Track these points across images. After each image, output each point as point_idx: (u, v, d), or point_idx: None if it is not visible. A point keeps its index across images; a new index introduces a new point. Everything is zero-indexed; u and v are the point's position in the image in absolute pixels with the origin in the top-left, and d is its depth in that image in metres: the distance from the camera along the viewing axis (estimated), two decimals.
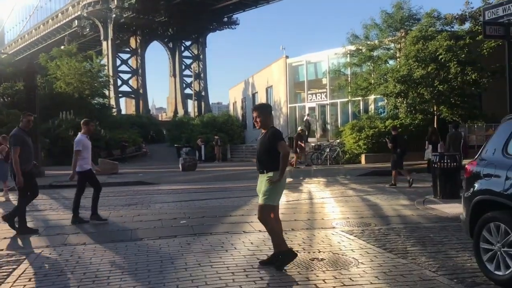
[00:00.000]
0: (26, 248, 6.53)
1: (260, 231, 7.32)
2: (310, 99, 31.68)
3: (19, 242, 7.12)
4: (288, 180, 9.68)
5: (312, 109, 31.64)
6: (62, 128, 29.77)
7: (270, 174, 5.23)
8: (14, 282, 4.94)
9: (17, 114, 27.68)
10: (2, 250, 6.47)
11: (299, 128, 23.41)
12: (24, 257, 5.97)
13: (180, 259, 5.64)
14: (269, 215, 5.34)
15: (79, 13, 75.75)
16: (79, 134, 8.87)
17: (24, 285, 4.82)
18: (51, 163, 25.46)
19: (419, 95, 20.80)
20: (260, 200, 5.31)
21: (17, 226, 7.64)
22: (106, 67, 54.32)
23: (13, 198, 12.64)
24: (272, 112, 23.92)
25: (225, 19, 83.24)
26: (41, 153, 20.52)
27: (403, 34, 22.87)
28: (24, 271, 5.33)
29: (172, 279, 4.88)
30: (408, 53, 20.93)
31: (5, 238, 7.33)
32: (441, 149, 15.48)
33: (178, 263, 5.50)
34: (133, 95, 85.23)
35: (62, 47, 50.26)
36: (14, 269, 5.43)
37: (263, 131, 5.47)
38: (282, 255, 5.24)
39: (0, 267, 5.56)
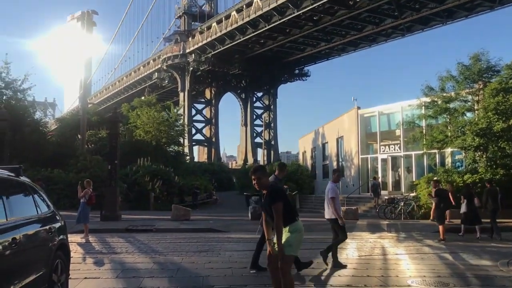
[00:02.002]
0: None
1: (331, 285, 7.18)
2: (383, 151, 31.09)
3: (99, 282, 7.43)
4: (360, 233, 9.49)
5: (384, 160, 30.96)
6: (139, 174, 31.14)
7: (287, 228, 5.34)
8: None
9: (99, 160, 29.49)
10: None
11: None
12: None
13: None
14: (290, 266, 5.39)
15: (159, 66, 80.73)
16: (329, 182, 9.72)
17: None
18: (127, 207, 26.55)
19: (500, 149, 19.80)
20: (285, 251, 5.23)
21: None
22: (182, 117, 56.86)
23: (93, 239, 13.31)
24: (343, 162, 24.07)
25: (297, 71, 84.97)
26: (119, 198, 21.52)
27: (481, 86, 22.15)
28: None
29: None
30: (487, 105, 20.16)
31: (86, 278, 7.69)
32: (478, 204, 15.07)
33: None
34: (205, 143, 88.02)
35: (143, 97, 53.51)
36: None
37: (264, 192, 5.51)
38: None
39: None
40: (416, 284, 7.41)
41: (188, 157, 58.88)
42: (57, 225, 5.93)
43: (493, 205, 14.56)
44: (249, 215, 22.28)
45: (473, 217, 14.71)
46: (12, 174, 5.35)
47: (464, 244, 12.97)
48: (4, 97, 30.84)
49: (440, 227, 13.66)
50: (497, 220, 15.12)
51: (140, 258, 10.04)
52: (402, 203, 22.35)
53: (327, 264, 8.86)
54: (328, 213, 9.41)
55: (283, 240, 5.26)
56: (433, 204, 14.38)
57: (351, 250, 11.89)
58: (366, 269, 8.88)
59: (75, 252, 10.72)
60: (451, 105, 23.18)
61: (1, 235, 4.35)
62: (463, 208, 15.00)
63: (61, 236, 5.89)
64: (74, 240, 12.62)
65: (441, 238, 13.48)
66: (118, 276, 7.98)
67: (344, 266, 8.80)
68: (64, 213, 9.77)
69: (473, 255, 10.77)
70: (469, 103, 23.10)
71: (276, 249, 5.25)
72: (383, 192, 28.15)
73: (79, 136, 33.67)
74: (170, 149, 45.37)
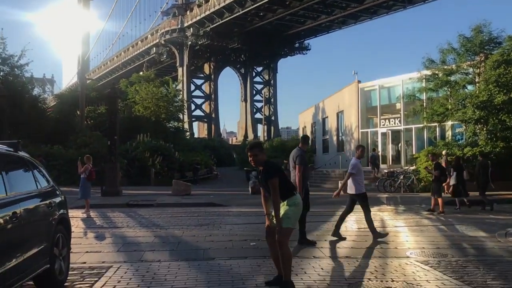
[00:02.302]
0: (106, 263, 6.86)
1: (330, 257, 7.25)
2: (383, 125, 31.03)
3: (100, 256, 7.50)
4: (358, 206, 9.56)
5: (384, 134, 30.94)
6: (139, 150, 31.15)
7: (285, 202, 5.38)
8: None
9: (99, 136, 29.46)
10: (85, 263, 6.85)
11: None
12: (105, 270, 6.29)
13: (251, 280, 5.70)
14: (288, 238, 5.39)
15: (157, 40, 79.95)
16: (353, 158, 9.64)
17: None
18: (128, 183, 26.67)
19: (501, 122, 19.75)
20: (282, 223, 5.27)
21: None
22: (181, 92, 56.58)
23: (94, 214, 13.41)
24: (343, 137, 24.04)
25: (297, 44, 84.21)
26: (119, 173, 21.58)
27: (482, 59, 21.95)
28: (105, 283, 5.62)
29: None
30: (489, 78, 20.02)
31: (87, 252, 7.76)
32: (466, 177, 15.66)
33: (248, 284, 5.56)
34: (205, 119, 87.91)
35: (141, 73, 53.13)
36: (96, 281, 5.74)
37: (259, 167, 5.49)
38: (285, 285, 5.20)
39: (84, 279, 5.90)
40: (414, 255, 7.48)
41: (188, 133, 58.80)
42: (57, 199, 5.93)
43: (483, 178, 15.06)
44: (249, 189, 22.41)
45: (461, 189, 15.21)
46: (11, 149, 5.32)
47: (462, 217, 13.06)
48: (1, 73, 30.65)
49: (439, 200, 13.82)
50: (497, 193, 15.33)
51: (141, 232, 10.13)
52: (401, 177, 22.45)
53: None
54: (351, 189, 9.58)
55: (281, 213, 5.28)
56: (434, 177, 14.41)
57: (351, 222, 11.96)
58: (365, 241, 8.95)
59: (76, 227, 10.80)
60: (452, 78, 23.03)
61: (1, 209, 4.35)
62: (452, 181, 15.36)
63: (62, 211, 5.90)
64: (75, 215, 12.71)
65: (440, 211, 13.63)
66: (119, 249, 8.06)
67: (344, 238, 8.91)
68: (64, 188, 9.80)
69: (472, 227, 10.85)
70: (470, 76, 22.95)
71: (274, 222, 5.27)
72: (382, 166, 28.23)
73: (78, 112, 33.58)
74: (170, 125, 45.29)
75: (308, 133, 45.40)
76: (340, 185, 9.44)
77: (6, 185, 4.65)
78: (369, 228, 9.23)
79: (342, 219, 9.48)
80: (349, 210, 9.61)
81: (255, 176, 24.93)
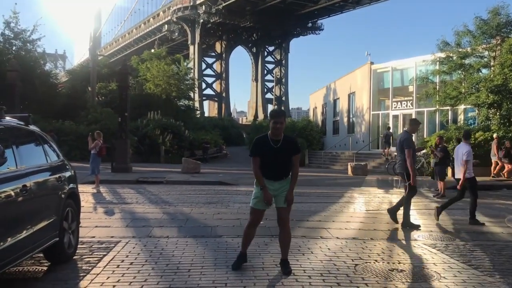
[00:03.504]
0: (115, 237, 6.94)
1: (338, 238, 7.26)
2: (395, 107, 30.77)
3: (109, 231, 7.58)
4: (369, 189, 9.57)
5: (396, 117, 30.70)
6: (150, 127, 31.27)
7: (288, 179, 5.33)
8: (104, 267, 5.30)
9: (110, 112, 29.57)
10: (94, 237, 6.93)
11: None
12: (113, 245, 6.36)
13: (258, 258, 5.74)
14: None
15: (169, 17, 79.46)
16: (466, 145, 9.22)
17: (113, 271, 5.14)
18: (138, 160, 26.83)
19: None
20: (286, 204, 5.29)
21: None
22: (192, 71, 56.38)
23: (104, 190, 13.54)
24: (354, 119, 23.95)
25: (309, 24, 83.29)
26: (129, 150, 21.70)
27: (499, 42, 21.52)
28: (113, 258, 5.69)
29: (249, 277, 4.99)
30: (504, 61, 19.65)
31: (96, 226, 7.85)
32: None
33: (255, 262, 5.59)
34: (216, 99, 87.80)
35: (152, 50, 52.90)
36: (104, 255, 5.82)
37: (279, 137, 5.26)
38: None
39: (92, 253, 5.98)
40: (422, 238, 7.47)
41: (198, 112, 58.80)
42: (67, 174, 5.98)
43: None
44: None
45: (444, 171, 15.11)
46: (22, 123, 5.35)
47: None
48: (14, 48, 30.71)
49: (442, 183, 13.82)
50: (507, 178, 15.35)
51: (150, 209, 10.21)
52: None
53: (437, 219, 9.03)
54: (458, 173, 9.35)
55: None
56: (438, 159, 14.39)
57: (359, 204, 11.98)
58: (373, 223, 8.96)
59: (86, 202, 10.91)
60: (467, 61, 22.66)
61: (12, 182, 4.39)
62: (433, 162, 15.86)
63: (71, 185, 5.96)
64: (86, 190, 12.83)
65: (442, 194, 13.62)
66: (128, 225, 8.14)
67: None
68: (75, 164, 9.88)
69: (481, 212, 10.76)
70: (485, 59, 22.55)
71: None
72: (392, 149, 28.06)
73: (89, 88, 33.65)
74: (180, 103, 45.29)
75: (319, 114, 45.22)
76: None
77: (16, 158, 4.69)
78: (440, 209, 9.19)
79: (450, 203, 9.40)
80: (460, 196, 9.38)
81: None
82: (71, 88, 36.94)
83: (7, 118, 5.02)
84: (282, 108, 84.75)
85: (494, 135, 19.29)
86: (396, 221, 8.58)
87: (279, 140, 5.23)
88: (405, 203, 8.54)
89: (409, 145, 8.38)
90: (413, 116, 29.34)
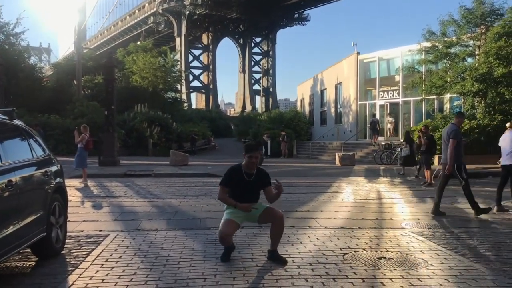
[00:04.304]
0: (103, 231, 6.90)
1: (326, 227, 7.31)
2: (382, 97, 30.94)
3: (97, 225, 7.55)
4: (356, 178, 9.66)
5: (382, 107, 30.88)
6: (137, 120, 31.09)
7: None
8: (93, 261, 5.27)
9: (96, 106, 29.32)
10: (82, 231, 6.89)
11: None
12: (102, 239, 6.33)
13: (247, 249, 5.75)
14: None
15: (154, 9, 78.74)
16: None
17: (102, 265, 5.12)
18: (126, 153, 26.68)
19: (499, 95, 19.69)
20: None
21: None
22: (179, 63, 56.03)
23: (91, 184, 13.45)
24: (341, 109, 24.37)
25: (296, 15, 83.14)
26: (117, 143, 21.56)
27: (483, 31, 21.72)
28: (102, 252, 5.67)
29: (239, 268, 5.00)
30: (489, 50, 19.85)
31: (84, 220, 7.81)
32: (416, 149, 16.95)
33: (244, 253, 5.61)
34: (203, 90, 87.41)
35: (138, 42, 52.43)
36: (93, 249, 5.79)
37: (252, 171, 5.35)
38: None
39: (81, 247, 5.95)
40: (409, 226, 7.55)
41: (186, 104, 58.54)
42: (54, 168, 5.92)
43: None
44: None
45: (412, 159, 17.14)
46: (5, 117, 5.28)
47: (458, 189, 13.09)
48: None
49: (428, 172, 13.97)
50: (494, 166, 15.65)
51: (139, 202, 10.18)
52: (399, 149, 22.44)
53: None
54: (506, 160, 9.48)
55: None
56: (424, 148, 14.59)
57: (347, 194, 12.06)
58: (361, 212, 9.03)
59: (74, 196, 10.84)
60: (452, 50, 22.84)
61: None
62: (405, 152, 17.35)
63: (58, 179, 5.90)
64: (73, 184, 12.74)
65: (429, 182, 13.76)
66: (116, 218, 8.10)
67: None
68: (61, 158, 9.82)
69: (466, 199, 10.90)
70: (470, 48, 22.75)
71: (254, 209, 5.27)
72: (380, 138, 28.26)
73: (75, 81, 33.30)
74: (168, 95, 45.04)
75: (306, 105, 45.31)
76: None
77: (0, 153, 4.63)
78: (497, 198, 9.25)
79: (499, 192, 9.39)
80: (504, 182, 9.49)
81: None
82: (56, 81, 36.50)
83: None
84: (270, 99, 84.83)
85: (508, 124, 19.39)
86: (481, 211, 8.57)
87: (252, 173, 5.32)
88: (437, 191, 8.89)
89: (455, 136, 8.65)
90: (400, 105, 29.59)
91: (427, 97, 25.22)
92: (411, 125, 27.03)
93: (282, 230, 5.36)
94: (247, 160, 5.29)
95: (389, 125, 29.49)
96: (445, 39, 22.87)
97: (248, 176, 5.32)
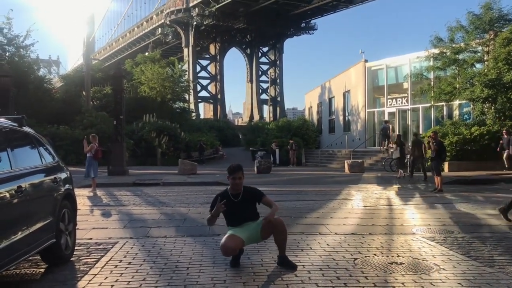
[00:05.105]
0: (112, 239, 6.89)
1: (336, 233, 7.24)
2: (390, 104, 30.82)
3: (106, 232, 7.54)
4: (366, 185, 9.59)
5: (392, 114, 30.74)
6: (146, 130, 31.20)
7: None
8: (102, 267, 5.25)
9: (105, 116, 29.48)
10: (91, 239, 6.89)
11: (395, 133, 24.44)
12: (111, 246, 6.32)
13: (256, 255, 5.71)
14: None
15: (162, 21, 79.35)
16: None
17: (111, 271, 5.10)
18: (135, 163, 26.77)
19: (509, 100, 19.53)
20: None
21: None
22: (187, 73, 56.33)
23: (100, 193, 13.48)
24: (350, 117, 24.47)
25: (303, 24, 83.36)
26: (125, 153, 21.63)
27: (492, 36, 21.63)
28: (111, 258, 5.65)
29: (248, 273, 4.96)
30: (498, 55, 19.74)
31: (93, 228, 7.81)
32: (407, 152, 19.32)
33: (254, 259, 5.56)
34: (211, 100, 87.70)
35: (146, 53, 52.86)
36: (102, 256, 5.77)
37: (238, 191, 5.37)
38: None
39: (90, 254, 5.93)
40: (421, 232, 7.46)
41: (194, 114, 58.74)
42: (63, 175, 5.93)
43: (419, 153, 17.58)
44: (255, 169, 22.46)
45: (402, 161, 18.77)
46: (15, 124, 5.31)
47: (468, 195, 13.00)
48: (7, 54, 30.57)
49: (439, 178, 13.77)
50: (506, 172, 15.73)
51: (148, 210, 10.17)
52: (408, 156, 22.30)
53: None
54: None
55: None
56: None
57: (357, 200, 11.97)
58: (371, 218, 8.95)
59: (83, 204, 10.86)
60: (460, 56, 22.75)
61: (6, 183, 4.34)
62: (396, 154, 19.15)
63: (67, 186, 5.91)
64: (82, 193, 12.78)
65: (439, 189, 13.60)
66: (125, 226, 8.10)
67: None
68: (71, 168, 9.79)
69: (478, 205, 10.81)
70: (479, 54, 22.66)
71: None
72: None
73: (84, 92, 33.54)
74: (176, 105, 45.24)
75: (314, 113, 45.27)
76: None
77: (10, 159, 4.64)
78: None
79: None
80: None
81: (261, 156, 25.07)
82: (65, 93, 36.76)
83: (0, 119, 4.97)
84: (278, 109, 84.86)
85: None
86: (508, 219, 8.28)
87: (239, 193, 5.35)
88: None
89: None
90: (409, 113, 29.45)
91: (436, 104, 25.09)
92: (421, 132, 26.87)
93: (285, 235, 5.31)
94: (231, 181, 5.36)
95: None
96: (453, 45, 22.81)
97: (235, 197, 5.35)
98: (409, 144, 20.19)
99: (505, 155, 17.83)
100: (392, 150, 22.51)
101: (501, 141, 18.32)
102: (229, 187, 5.42)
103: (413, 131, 24.89)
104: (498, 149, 18.43)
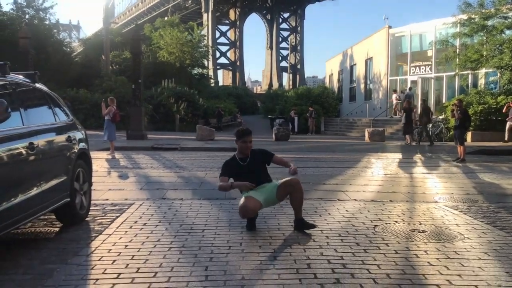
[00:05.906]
0: (128, 200, 6.83)
1: (355, 200, 7.06)
2: (413, 72, 30.04)
3: (122, 193, 7.49)
4: (386, 154, 9.33)
5: (414, 82, 30.00)
6: (164, 96, 31.09)
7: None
8: (117, 228, 5.18)
9: (124, 80, 29.43)
10: (107, 199, 6.84)
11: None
12: (127, 207, 6.26)
13: (273, 219, 5.58)
14: None
15: None
16: None
17: (126, 231, 5.03)
18: (153, 128, 26.80)
19: None
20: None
21: None
22: (206, 38, 55.67)
23: (119, 156, 13.48)
24: (371, 85, 24.07)
25: None
26: (144, 117, 21.60)
27: None
28: (126, 219, 5.58)
29: (265, 237, 4.83)
30: None
31: (110, 189, 7.77)
32: (414, 117, 19.55)
33: (271, 223, 5.43)
34: (230, 67, 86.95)
35: (166, 18, 52.23)
36: (117, 216, 5.71)
37: (246, 155, 5.29)
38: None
39: (105, 214, 5.88)
40: (443, 200, 7.23)
41: (212, 81, 58.36)
42: (78, 134, 5.82)
43: (426, 119, 18.70)
44: (273, 136, 22.29)
45: (409, 127, 19.29)
46: (28, 80, 5.17)
47: (493, 165, 12.65)
48: (27, 16, 30.50)
49: (462, 147, 13.37)
50: None
51: (165, 173, 10.12)
52: (430, 125, 21.80)
53: None
54: None
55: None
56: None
57: (377, 168, 11.74)
58: (392, 185, 8.73)
59: (101, 166, 10.87)
60: (490, 22, 21.76)
61: (18, 140, 4.22)
62: (403, 120, 19.64)
63: (82, 145, 5.80)
64: (100, 156, 12.80)
65: (462, 158, 13.23)
66: (142, 188, 8.04)
67: None
68: (90, 132, 9.78)
69: (503, 175, 10.48)
70: (510, 20, 21.64)
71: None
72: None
73: (103, 57, 33.46)
74: (194, 71, 44.92)
75: (335, 81, 44.55)
76: None
77: (22, 115, 4.52)
78: None
79: None
80: None
81: (279, 124, 24.80)
82: (85, 57, 36.81)
83: (12, 74, 4.83)
84: (297, 77, 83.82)
85: None
86: None
87: (246, 156, 5.28)
88: None
89: None
90: (432, 81, 28.68)
91: (461, 72, 24.30)
92: (443, 101, 26.22)
93: (302, 195, 5.18)
94: (240, 145, 5.26)
95: (394, 102, 28.49)
96: (483, 10, 21.81)
97: (243, 161, 5.29)
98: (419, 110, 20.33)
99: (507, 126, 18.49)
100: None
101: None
102: (237, 152, 5.36)
103: (421, 98, 24.99)
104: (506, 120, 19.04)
